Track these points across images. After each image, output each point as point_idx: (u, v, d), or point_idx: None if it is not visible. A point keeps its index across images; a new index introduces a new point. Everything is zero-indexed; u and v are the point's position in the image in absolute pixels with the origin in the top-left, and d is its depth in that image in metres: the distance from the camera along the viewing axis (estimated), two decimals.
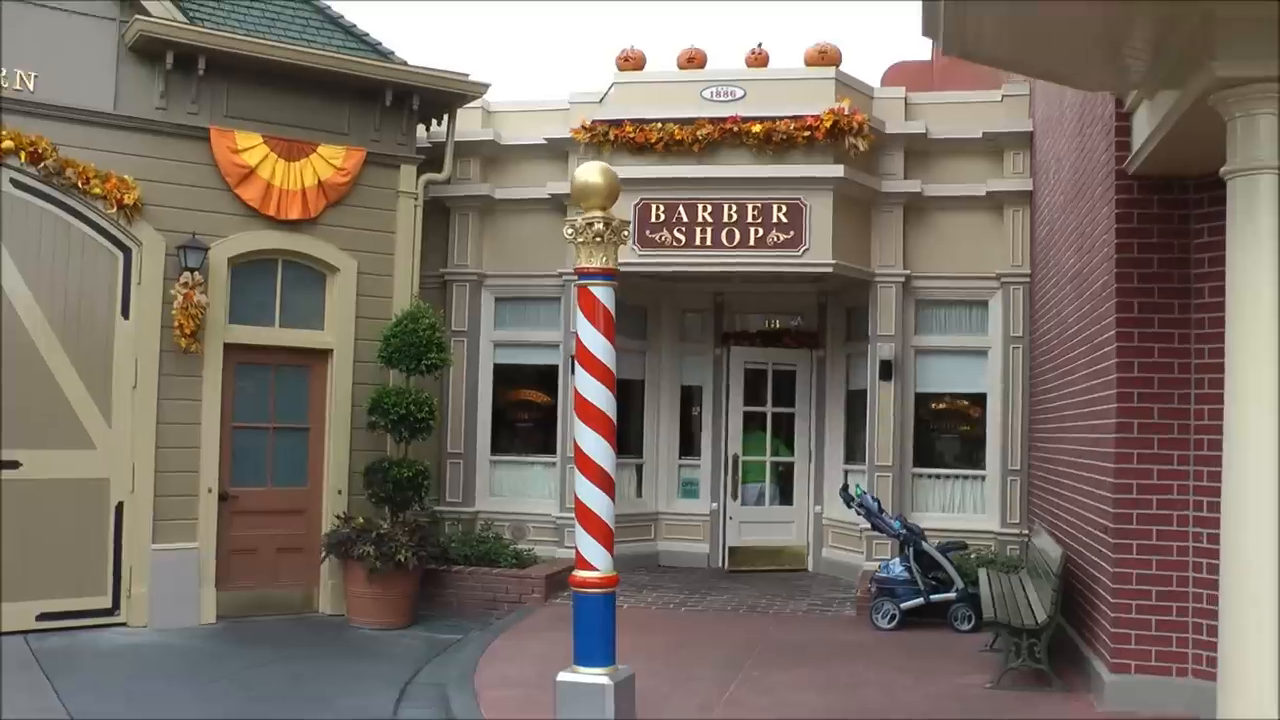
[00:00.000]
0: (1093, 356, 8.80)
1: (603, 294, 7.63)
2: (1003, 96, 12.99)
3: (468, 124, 13.74)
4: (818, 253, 12.34)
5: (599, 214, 7.60)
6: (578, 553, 7.54)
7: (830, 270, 12.36)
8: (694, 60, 12.82)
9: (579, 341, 7.69)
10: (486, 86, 12.69)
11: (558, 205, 13.50)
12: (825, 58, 12.51)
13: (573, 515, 7.83)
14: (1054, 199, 10.99)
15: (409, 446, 12.04)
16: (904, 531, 10.84)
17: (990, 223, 12.90)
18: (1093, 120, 8.96)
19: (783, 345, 14.44)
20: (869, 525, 11.36)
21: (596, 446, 7.50)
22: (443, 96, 12.62)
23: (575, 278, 7.87)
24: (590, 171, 7.71)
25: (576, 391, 7.69)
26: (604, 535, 7.44)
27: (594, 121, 12.79)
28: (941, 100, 13.23)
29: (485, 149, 13.80)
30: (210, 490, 11.28)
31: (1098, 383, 8.58)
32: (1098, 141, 8.75)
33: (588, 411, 7.56)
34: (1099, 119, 8.69)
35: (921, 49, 21.62)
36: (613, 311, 7.69)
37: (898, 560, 10.89)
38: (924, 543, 10.73)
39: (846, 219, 12.60)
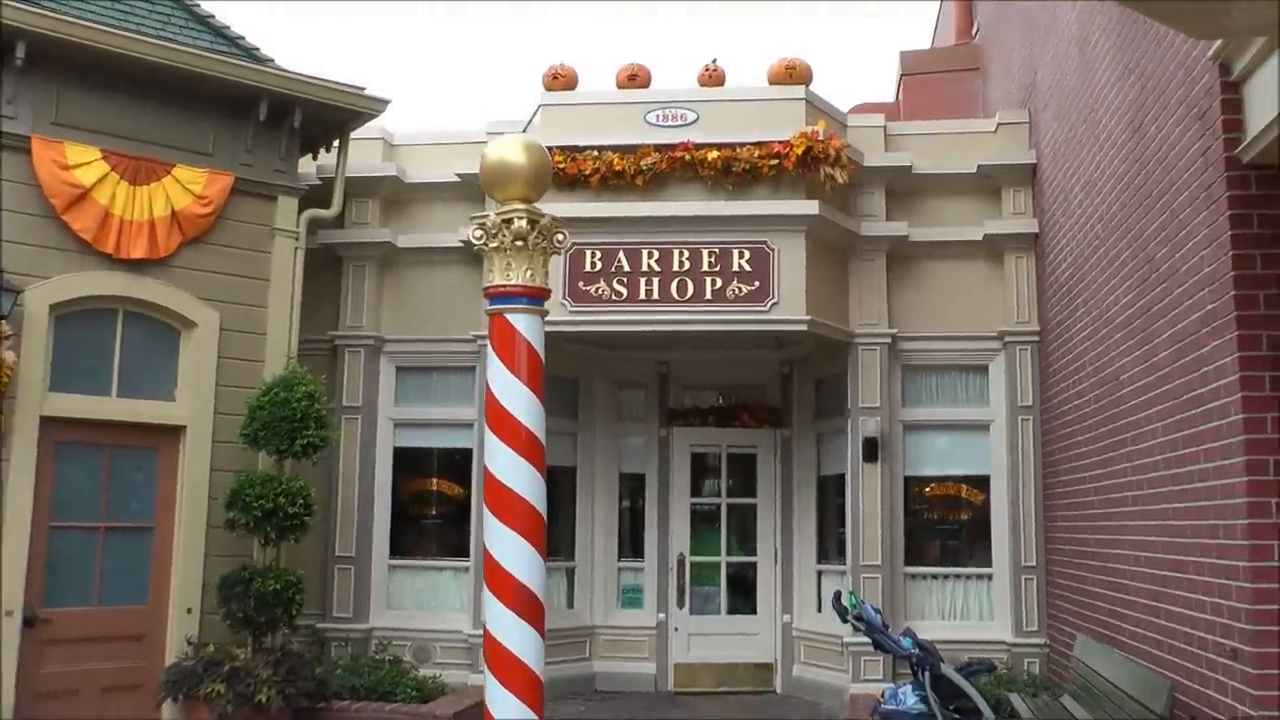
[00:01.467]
0: (1186, 417, 6.48)
1: (526, 325, 5.17)
2: (997, 126, 10.89)
3: (366, 157, 11.33)
4: (789, 307, 10.02)
5: (521, 207, 5.19)
6: (486, 711, 4.95)
7: (804, 328, 10.03)
8: (636, 78, 10.56)
9: (490, 396, 5.19)
10: (385, 103, 10.28)
11: (473, 256, 11.06)
12: (793, 75, 10.32)
13: None
14: (1084, 232, 8.80)
15: (280, 550, 9.38)
16: (916, 651, 8.32)
17: (988, 272, 10.71)
18: (1164, 109, 6.77)
19: (740, 424, 12.02)
20: (870, 643, 8.84)
21: (515, 551, 4.92)
22: (332, 114, 10.17)
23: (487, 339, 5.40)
24: (509, 147, 5.29)
25: (487, 471, 5.17)
26: (526, 685, 4.82)
27: None
28: (927, 131, 11.10)
29: (387, 187, 11.36)
30: (10, 614, 8.44)
31: (1199, 450, 6.25)
32: (1178, 133, 6.54)
33: (503, 499, 5.02)
34: (1180, 103, 6.49)
35: (886, 89, 19.54)
36: (541, 352, 5.24)
37: (909, 687, 8.35)
38: (943, 665, 8.23)
39: (822, 267, 10.32)
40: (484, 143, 10.64)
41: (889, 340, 10.65)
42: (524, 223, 5.12)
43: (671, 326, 10.22)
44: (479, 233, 5.24)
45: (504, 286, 5.16)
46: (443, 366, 11.42)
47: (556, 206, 10.46)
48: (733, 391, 12.28)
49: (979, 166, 10.57)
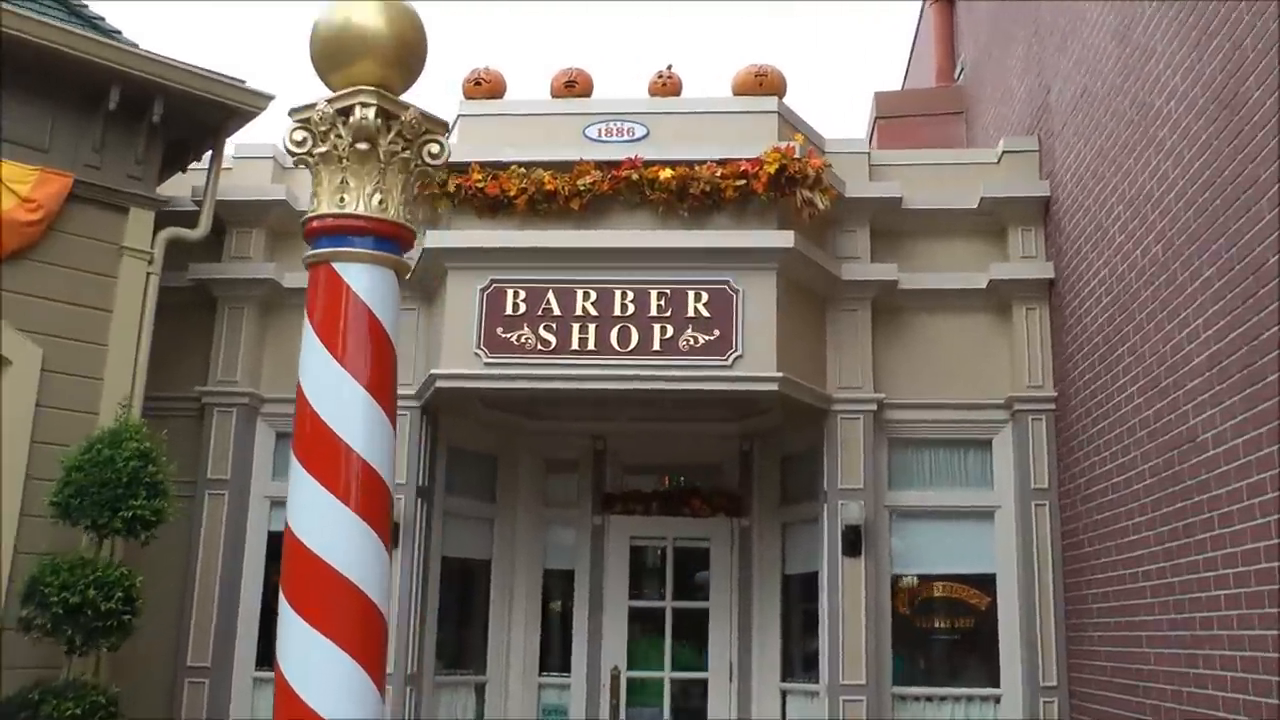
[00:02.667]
0: None
1: (370, 284, 3.16)
2: (1001, 155, 9.03)
3: (252, 178, 9.27)
4: (755, 362, 7.99)
5: (368, 89, 3.16)
6: None
7: (773, 388, 7.99)
8: (575, 85, 8.62)
9: (300, 401, 3.11)
10: (268, 99, 8.22)
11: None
12: (764, 84, 8.43)
13: None
14: (1131, 263, 6.88)
15: (100, 660, 7.08)
16: None
17: (992, 327, 8.77)
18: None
19: (690, 511, 9.84)
20: None
21: (334, 687, 2.80)
22: (204, 111, 8.11)
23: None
24: (356, 7, 3.27)
25: (288, 531, 3.04)
26: None
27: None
28: (917, 161, 9.20)
29: (275, 215, 9.25)
30: None
31: None
32: None
33: (314, 580, 2.92)
34: None
35: (858, 125, 17.64)
36: (393, 332, 3.18)
37: None
38: None
39: (795, 316, 8.34)
40: None
41: (874, 407, 8.64)
42: (371, 114, 3.09)
43: (611, 384, 8.11)
44: (300, 133, 3.19)
45: (334, 218, 3.10)
46: None
47: (475, 235, 8.61)
48: (682, 472, 10.15)
49: (981, 200, 8.72)
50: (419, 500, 8.79)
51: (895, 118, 10.96)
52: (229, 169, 9.33)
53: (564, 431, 9.88)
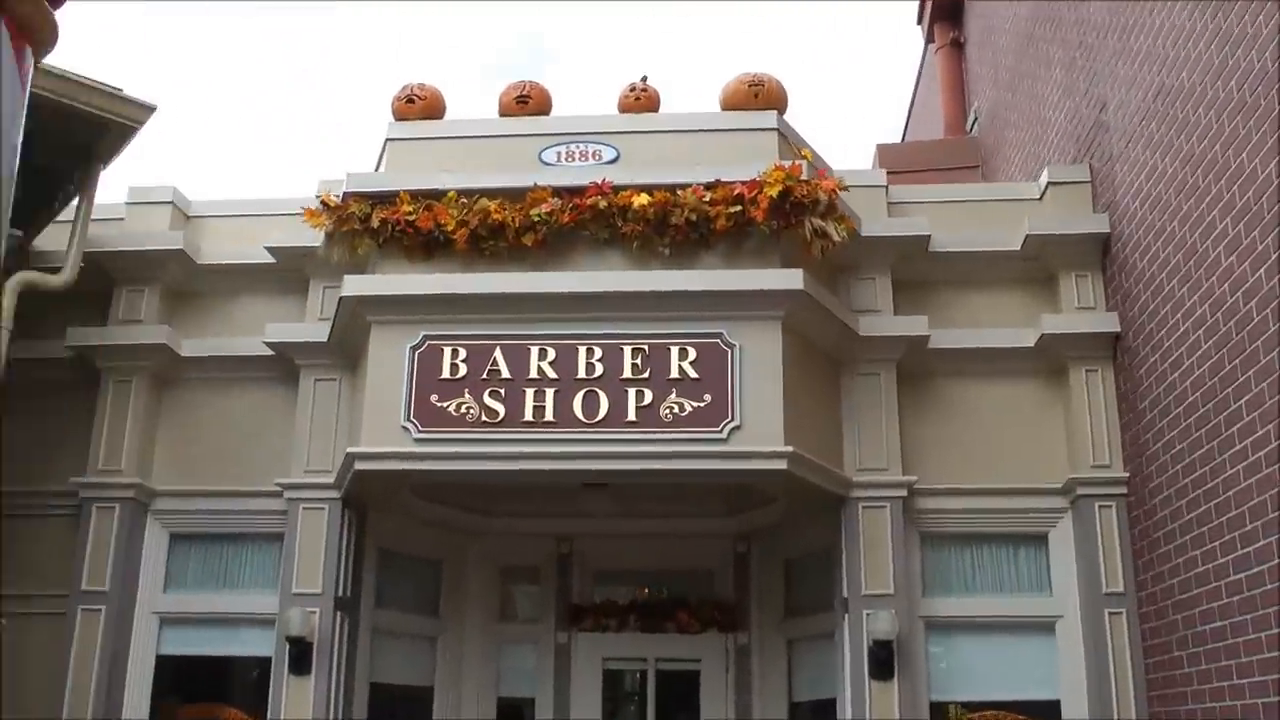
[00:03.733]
0: None
1: None
2: (1046, 187, 7.39)
3: (146, 223, 7.63)
4: (758, 434, 6.21)
5: None
6: None
7: (781, 467, 6.18)
8: (528, 101, 6.94)
9: None
10: (149, 110, 6.48)
11: (287, 368, 7.28)
12: (760, 96, 6.77)
13: None
14: (1242, 295, 5.24)
15: None
16: None
17: (1045, 393, 7.02)
18: None
19: (676, 627, 7.90)
20: None
21: None
22: (71, 128, 6.39)
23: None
24: None
25: None
26: None
27: (346, 196, 6.75)
28: (945, 197, 7.52)
29: (173, 270, 7.51)
30: None
31: None
32: None
33: None
34: None
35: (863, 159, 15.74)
36: None
37: None
38: None
39: (805, 379, 6.59)
40: (313, 207, 7.08)
41: (903, 494, 6.85)
42: None
43: (573, 463, 6.28)
44: None
45: None
46: (239, 533, 7.35)
47: (400, 280, 6.76)
48: (665, 580, 8.26)
49: (1025, 240, 7.08)
50: (339, 614, 6.90)
51: (902, 173, 9.43)
52: (120, 219, 7.71)
53: (522, 531, 8.05)
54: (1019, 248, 7.14)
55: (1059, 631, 6.76)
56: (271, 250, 7.37)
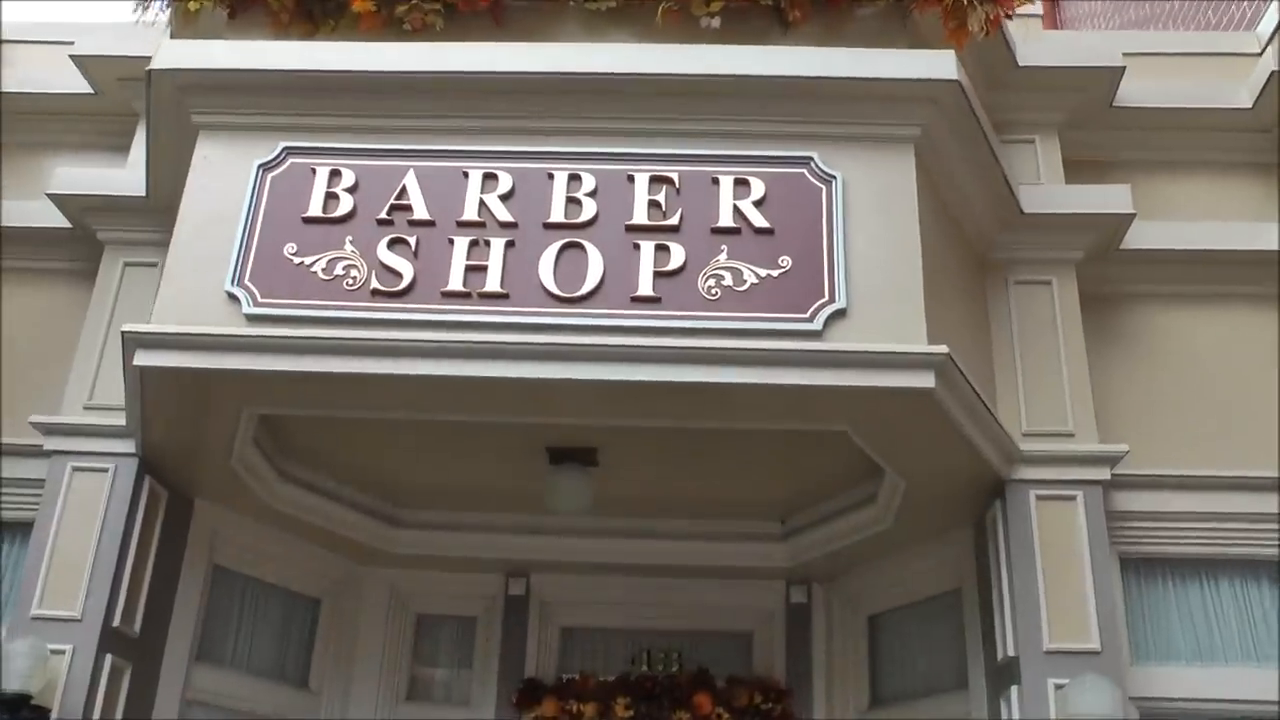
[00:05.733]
0: None
1: None
2: (1276, 30, 4.68)
3: None
4: (877, 325, 3.23)
5: None
6: None
7: (926, 385, 3.17)
8: None
9: None
10: None
11: (91, 250, 4.34)
12: None
13: None
14: None
15: None
16: None
17: None
18: None
19: (693, 717, 4.85)
20: None
21: None
22: None
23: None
24: None
25: None
26: None
27: None
28: (1125, 48, 4.78)
29: None
30: None
31: None
32: None
33: None
34: None
35: None
36: None
37: None
38: None
39: (944, 263, 3.70)
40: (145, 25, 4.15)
41: (1103, 476, 3.81)
42: None
43: (533, 368, 3.26)
44: None
45: None
46: None
47: (256, 50, 3.50)
48: (676, 643, 5.02)
49: (1259, 97, 4.27)
50: (109, 661, 3.72)
51: None
52: None
53: (450, 553, 4.85)
54: (1250, 105, 4.31)
55: None
56: (80, 65, 4.47)
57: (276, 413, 3.71)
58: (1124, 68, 4.26)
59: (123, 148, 4.57)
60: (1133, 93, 4.40)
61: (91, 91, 4.61)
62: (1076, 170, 4.34)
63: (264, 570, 4.62)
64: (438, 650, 5.06)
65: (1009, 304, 4.04)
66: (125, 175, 4.27)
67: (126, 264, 4.21)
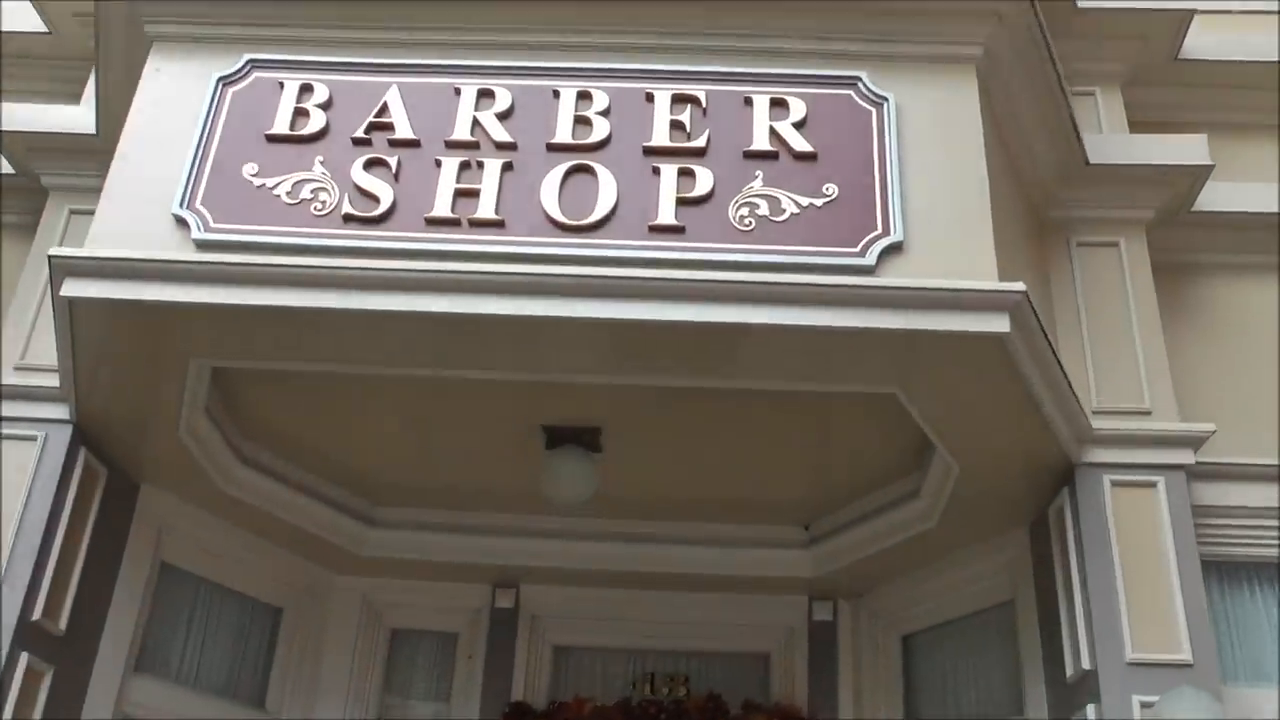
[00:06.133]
0: None
1: None
2: None
3: None
4: (940, 260, 2.73)
5: None
6: None
7: (1001, 329, 2.65)
8: None
9: None
10: None
11: (37, 202, 3.81)
12: None
13: None
14: None
15: None
16: None
17: None
18: None
19: None
20: None
21: None
22: None
23: None
24: None
25: None
26: None
27: None
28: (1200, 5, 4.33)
29: None
30: None
31: None
32: None
33: None
34: None
35: None
36: None
37: None
38: None
39: (1008, 204, 3.25)
40: None
41: (1187, 460, 3.30)
42: None
43: (534, 303, 2.71)
44: None
45: None
46: None
47: None
48: (684, 665, 4.47)
49: None
50: (27, 661, 3.13)
51: None
52: None
53: (432, 556, 4.28)
54: None
55: None
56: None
57: (230, 363, 3.15)
58: (1192, 12, 3.81)
59: (77, 95, 4.08)
60: (1200, 46, 3.96)
61: (46, 30, 4.13)
62: (1139, 132, 3.88)
63: (218, 571, 4.03)
64: (414, 670, 4.43)
65: (1072, 268, 3.54)
66: (75, 112, 3.77)
67: (72, 211, 3.67)
